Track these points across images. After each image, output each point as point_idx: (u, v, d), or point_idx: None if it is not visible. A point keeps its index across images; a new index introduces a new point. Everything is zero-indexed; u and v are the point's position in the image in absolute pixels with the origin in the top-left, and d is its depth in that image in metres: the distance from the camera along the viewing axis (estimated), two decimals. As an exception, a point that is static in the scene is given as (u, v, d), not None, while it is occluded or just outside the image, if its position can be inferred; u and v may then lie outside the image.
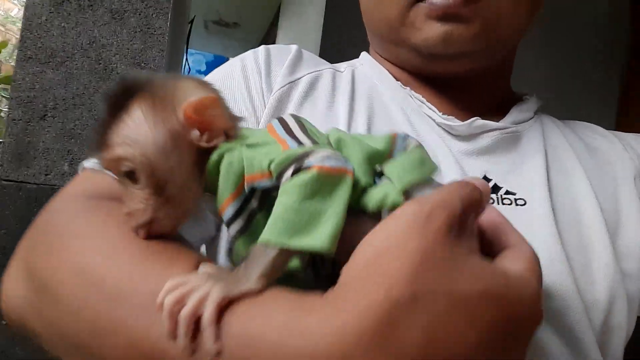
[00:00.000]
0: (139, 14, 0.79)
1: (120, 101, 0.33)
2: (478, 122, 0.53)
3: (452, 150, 0.53)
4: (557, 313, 0.45)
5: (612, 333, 0.47)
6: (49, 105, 0.85)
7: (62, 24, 0.77)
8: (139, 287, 0.29)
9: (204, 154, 0.33)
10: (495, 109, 0.57)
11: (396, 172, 0.31)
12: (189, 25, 2.90)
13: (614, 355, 0.48)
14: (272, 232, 0.27)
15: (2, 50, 2.38)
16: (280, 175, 0.29)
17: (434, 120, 0.54)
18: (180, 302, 0.26)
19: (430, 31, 0.51)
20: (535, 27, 0.62)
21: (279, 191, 0.29)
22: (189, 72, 3.82)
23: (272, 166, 0.30)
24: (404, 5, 0.52)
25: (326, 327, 0.23)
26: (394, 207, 0.29)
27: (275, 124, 0.34)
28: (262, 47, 0.59)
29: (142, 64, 0.85)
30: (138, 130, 0.32)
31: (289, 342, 0.24)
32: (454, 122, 0.53)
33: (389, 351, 0.22)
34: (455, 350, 0.23)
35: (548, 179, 0.51)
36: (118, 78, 0.33)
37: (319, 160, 0.28)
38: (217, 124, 0.34)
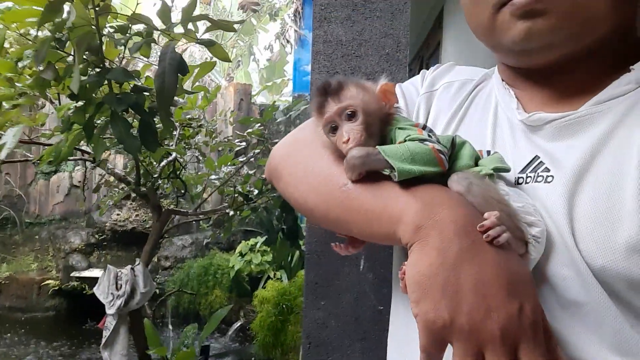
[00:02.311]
0: (386, 72, 1.05)
1: (336, 85, 0.61)
2: (535, 115, 0.61)
3: (516, 136, 0.64)
4: (563, 281, 0.53)
5: None
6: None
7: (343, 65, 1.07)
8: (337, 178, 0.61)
9: (383, 117, 0.61)
10: (598, 87, 0.59)
11: (484, 162, 0.58)
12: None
13: None
14: (393, 153, 0.55)
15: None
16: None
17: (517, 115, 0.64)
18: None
19: (515, 30, 0.57)
20: None
21: (410, 139, 0.56)
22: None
23: (409, 138, 0.57)
24: (492, 11, 0.59)
25: None
26: (485, 175, 0.56)
27: (419, 125, 0.61)
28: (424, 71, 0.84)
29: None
30: (357, 94, 0.60)
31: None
32: (521, 115, 0.63)
33: None
34: None
35: (590, 162, 0.55)
36: (324, 80, 0.65)
37: (435, 146, 0.55)
38: (392, 101, 0.62)
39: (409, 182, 0.55)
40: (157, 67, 1.50)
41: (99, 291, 2.36)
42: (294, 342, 2.99)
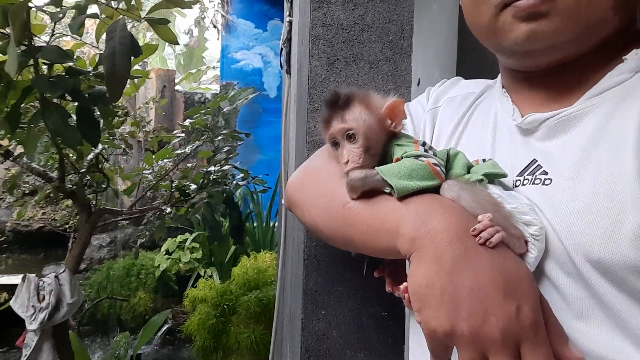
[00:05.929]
0: (389, 61, 0.97)
1: (343, 101, 0.62)
2: (529, 118, 0.60)
3: (515, 140, 0.63)
4: (565, 279, 0.53)
5: None
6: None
7: (336, 79, 0.97)
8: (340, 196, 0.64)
9: (387, 135, 0.63)
10: (594, 81, 0.58)
11: (476, 169, 0.60)
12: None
13: None
14: (390, 172, 0.57)
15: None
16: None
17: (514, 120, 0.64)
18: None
19: (518, 31, 0.57)
20: None
21: (406, 155, 0.59)
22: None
23: (405, 155, 0.59)
24: (493, 12, 0.58)
25: None
26: (475, 180, 0.57)
27: (418, 142, 0.63)
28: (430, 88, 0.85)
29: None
30: (360, 116, 0.61)
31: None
32: (517, 120, 0.63)
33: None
34: None
35: (587, 156, 0.54)
36: (334, 91, 0.64)
37: (430, 160, 0.58)
38: (399, 117, 0.64)
39: (407, 195, 0.56)
40: (89, 45, 1.30)
41: (17, 304, 2.04)
42: (237, 344, 2.85)
